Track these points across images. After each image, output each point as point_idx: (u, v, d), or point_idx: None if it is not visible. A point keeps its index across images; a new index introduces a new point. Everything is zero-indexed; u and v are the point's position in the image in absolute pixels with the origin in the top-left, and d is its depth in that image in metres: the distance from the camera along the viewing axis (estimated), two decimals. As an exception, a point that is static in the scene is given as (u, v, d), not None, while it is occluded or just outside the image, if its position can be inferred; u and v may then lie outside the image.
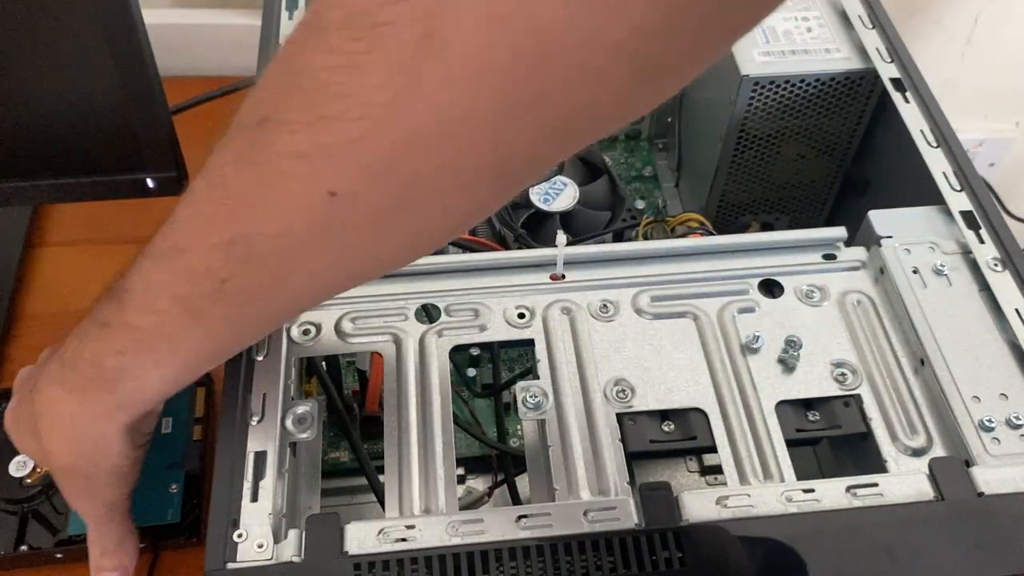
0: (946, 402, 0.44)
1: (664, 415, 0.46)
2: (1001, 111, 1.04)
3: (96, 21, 0.57)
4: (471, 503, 0.59)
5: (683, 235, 0.65)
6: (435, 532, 0.39)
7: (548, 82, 0.27)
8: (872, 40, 0.60)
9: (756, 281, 0.51)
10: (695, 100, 0.73)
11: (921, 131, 0.55)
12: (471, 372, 0.64)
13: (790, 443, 0.45)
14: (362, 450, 0.53)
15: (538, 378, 0.46)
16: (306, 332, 0.48)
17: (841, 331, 0.49)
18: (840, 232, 0.53)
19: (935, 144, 0.54)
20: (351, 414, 0.57)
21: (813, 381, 0.47)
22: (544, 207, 0.65)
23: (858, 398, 0.47)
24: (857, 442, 0.47)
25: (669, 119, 0.78)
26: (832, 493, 0.41)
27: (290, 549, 0.39)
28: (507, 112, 0.28)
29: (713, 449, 0.45)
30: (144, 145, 0.63)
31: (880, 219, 0.52)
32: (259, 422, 0.42)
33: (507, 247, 0.63)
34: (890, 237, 0.51)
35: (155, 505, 0.55)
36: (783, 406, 0.46)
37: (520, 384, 0.46)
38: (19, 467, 0.56)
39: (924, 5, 0.96)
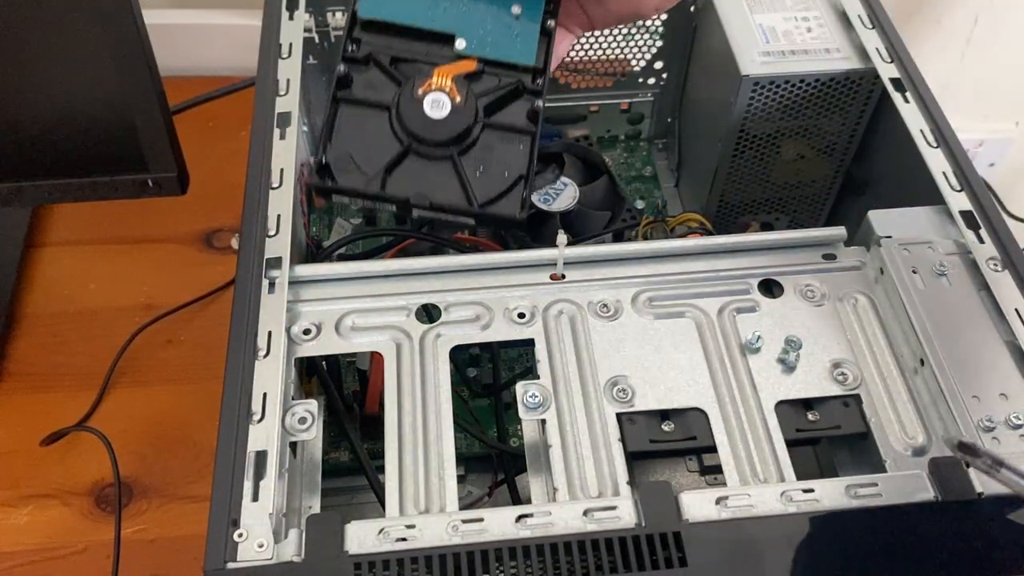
0: (946, 402, 0.44)
1: (664, 415, 0.46)
2: (1001, 111, 1.04)
3: (96, 21, 0.57)
4: (471, 503, 0.59)
5: (683, 235, 0.65)
6: (435, 532, 0.39)
7: None
8: (872, 40, 0.60)
9: (756, 281, 0.51)
10: (695, 100, 0.73)
11: (921, 131, 0.55)
12: (471, 372, 0.64)
13: (790, 443, 0.45)
14: (362, 450, 0.53)
15: (538, 378, 0.46)
16: (306, 332, 0.48)
17: (841, 331, 0.49)
18: (840, 232, 0.53)
19: (935, 144, 0.54)
20: (351, 414, 0.57)
21: (813, 381, 0.47)
22: (544, 207, 0.65)
23: (858, 398, 0.47)
24: (857, 442, 0.47)
25: (669, 119, 0.78)
26: (832, 493, 0.41)
27: (290, 549, 0.39)
28: None
29: (713, 449, 0.45)
30: (144, 145, 0.63)
31: (880, 219, 0.52)
32: (259, 422, 0.42)
33: (507, 247, 0.63)
34: (890, 237, 0.51)
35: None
36: (783, 406, 0.46)
37: (520, 384, 0.46)
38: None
39: (924, 5, 0.96)
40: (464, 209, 0.49)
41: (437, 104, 0.49)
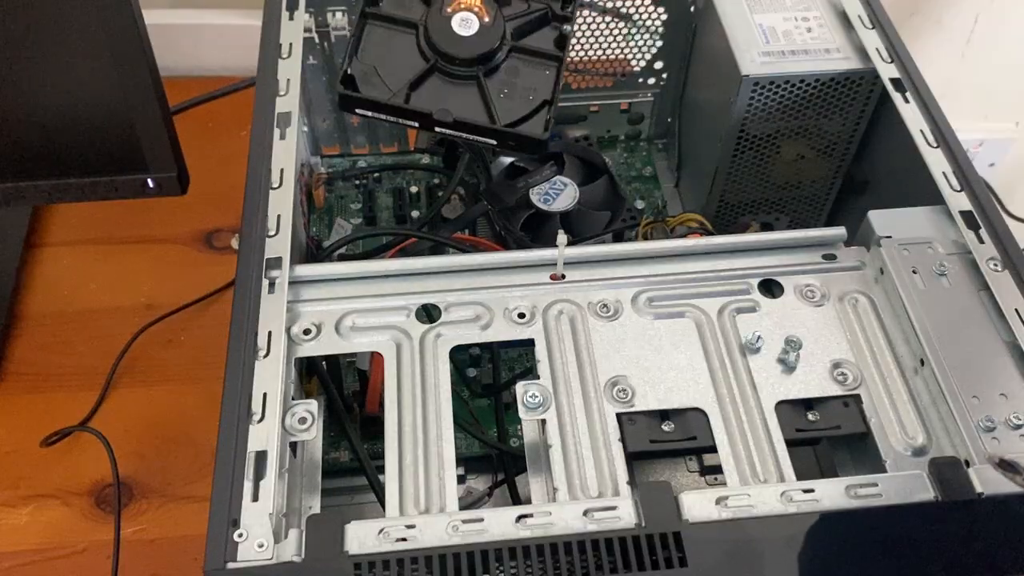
0: (946, 402, 0.44)
1: (664, 415, 0.46)
2: (1001, 111, 1.04)
3: (96, 21, 0.57)
4: (471, 503, 0.59)
5: (683, 235, 0.65)
6: (435, 532, 0.39)
7: None
8: (872, 40, 0.60)
9: (756, 281, 0.51)
10: (695, 100, 0.73)
11: (921, 131, 0.55)
12: (471, 372, 0.64)
13: (790, 443, 0.45)
14: (362, 450, 0.53)
15: (538, 378, 0.46)
16: (306, 332, 0.48)
17: (841, 331, 0.49)
18: (840, 232, 0.53)
19: (935, 144, 0.54)
20: (351, 414, 0.57)
21: (813, 381, 0.47)
22: (544, 207, 0.65)
23: (858, 398, 0.47)
24: (857, 442, 0.47)
25: (669, 119, 0.78)
26: (832, 493, 0.41)
27: (290, 549, 0.39)
28: None
29: (713, 449, 0.45)
30: (144, 145, 0.63)
31: (880, 219, 0.52)
32: (259, 422, 0.42)
33: (507, 247, 0.63)
34: (890, 237, 0.51)
35: None
36: (783, 406, 0.46)
37: (520, 384, 0.46)
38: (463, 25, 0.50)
39: (924, 5, 0.96)
40: (487, 127, 0.48)
41: (466, 22, 0.49)
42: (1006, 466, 0.40)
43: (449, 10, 0.49)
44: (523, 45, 0.50)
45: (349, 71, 0.49)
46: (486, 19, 0.49)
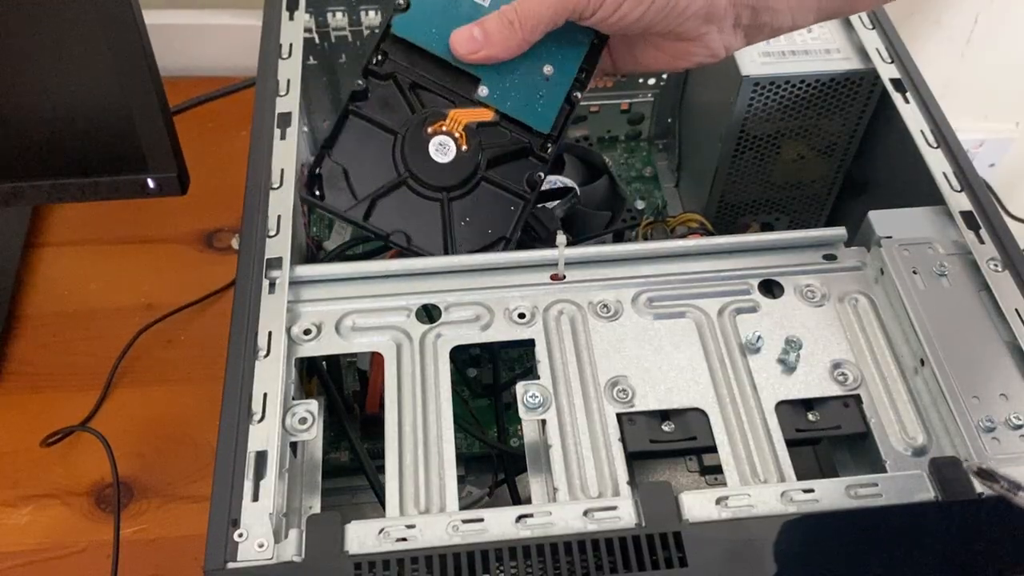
0: (946, 402, 0.44)
1: (664, 415, 0.46)
2: (1001, 111, 1.04)
3: (96, 21, 0.57)
4: (471, 503, 0.59)
5: (683, 235, 0.65)
6: (435, 531, 0.39)
7: None
8: (872, 40, 0.60)
9: (756, 281, 0.51)
10: (695, 101, 0.73)
11: (921, 131, 0.55)
12: (471, 372, 0.64)
13: (790, 443, 0.45)
14: (362, 450, 0.53)
15: (538, 378, 0.46)
16: (306, 332, 0.48)
17: (841, 331, 0.49)
18: (840, 232, 0.53)
19: (935, 144, 0.54)
20: (351, 414, 0.57)
21: (813, 381, 0.47)
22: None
23: (858, 398, 0.47)
24: (857, 442, 0.47)
25: (669, 119, 0.78)
26: (832, 493, 0.41)
27: (291, 549, 0.39)
28: None
29: (713, 449, 0.45)
30: (144, 145, 0.63)
31: (880, 219, 0.52)
32: (259, 422, 0.42)
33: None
34: (890, 237, 0.51)
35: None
36: (783, 406, 0.46)
37: (520, 384, 0.46)
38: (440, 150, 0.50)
39: (924, 5, 0.96)
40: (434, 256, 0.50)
41: (443, 148, 0.49)
42: (984, 475, 0.40)
43: (429, 130, 0.50)
44: (494, 177, 0.51)
45: (318, 171, 0.49)
46: (464, 147, 0.50)
